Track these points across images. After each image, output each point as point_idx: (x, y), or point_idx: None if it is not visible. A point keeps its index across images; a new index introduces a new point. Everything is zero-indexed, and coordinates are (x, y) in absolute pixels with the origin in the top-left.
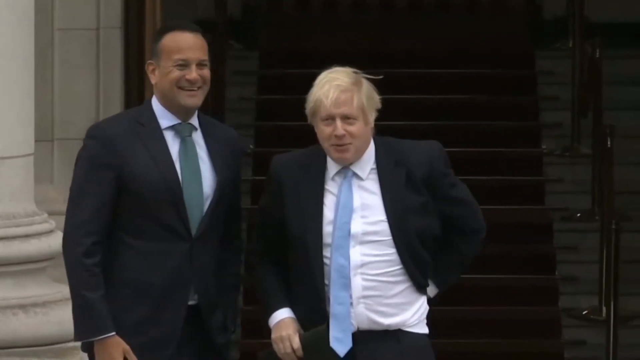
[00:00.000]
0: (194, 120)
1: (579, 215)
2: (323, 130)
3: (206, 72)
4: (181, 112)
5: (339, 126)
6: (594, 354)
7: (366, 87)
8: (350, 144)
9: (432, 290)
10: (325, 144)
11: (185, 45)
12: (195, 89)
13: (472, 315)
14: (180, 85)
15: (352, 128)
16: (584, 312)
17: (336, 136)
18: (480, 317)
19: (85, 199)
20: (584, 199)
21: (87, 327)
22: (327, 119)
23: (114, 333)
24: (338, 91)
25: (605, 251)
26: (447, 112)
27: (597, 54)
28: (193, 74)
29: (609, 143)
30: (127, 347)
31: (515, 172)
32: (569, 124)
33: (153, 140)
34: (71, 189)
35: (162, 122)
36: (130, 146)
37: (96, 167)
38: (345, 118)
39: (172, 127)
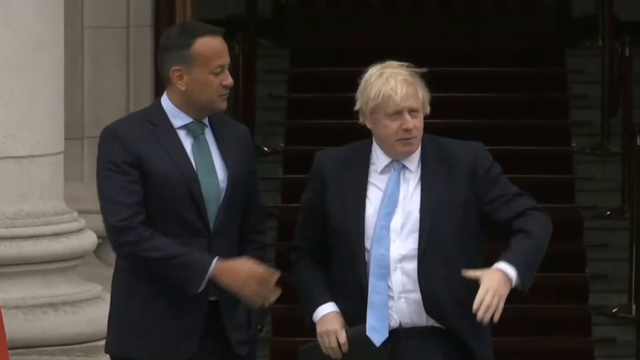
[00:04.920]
0: (205, 119)
1: (608, 213)
2: (388, 126)
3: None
4: (200, 113)
5: (409, 119)
6: (624, 352)
7: (421, 80)
8: (416, 137)
9: (515, 279)
10: (390, 140)
11: (222, 50)
12: (227, 92)
13: (501, 313)
14: (220, 92)
15: (416, 121)
16: (613, 310)
17: (405, 130)
18: (509, 314)
19: (116, 191)
20: (613, 197)
21: (193, 271)
22: (394, 114)
23: (216, 258)
24: (406, 85)
25: (635, 249)
26: (477, 110)
27: (627, 52)
28: (229, 79)
29: (638, 141)
30: (260, 271)
31: (545, 170)
32: (599, 122)
33: (167, 137)
34: (100, 193)
35: (175, 122)
36: (145, 144)
37: (117, 165)
38: (412, 111)
39: (184, 126)
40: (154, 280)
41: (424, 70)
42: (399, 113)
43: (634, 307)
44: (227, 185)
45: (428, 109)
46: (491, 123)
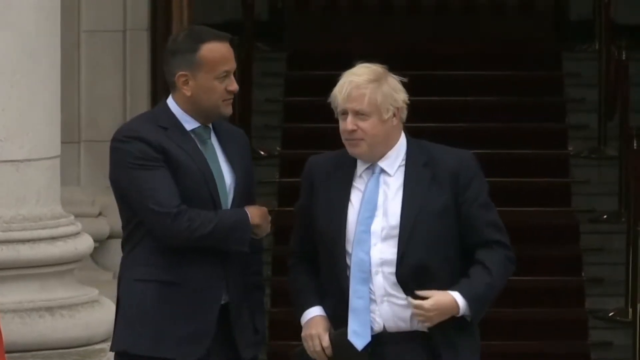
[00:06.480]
0: (210, 124)
1: (605, 216)
2: (340, 125)
3: None
4: (206, 118)
5: (349, 121)
6: (621, 356)
7: (388, 84)
8: (361, 139)
9: (463, 312)
10: (343, 140)
11: (228, 56)
12: (231, 97)
13: (498, 317)
14: (224, 97)
15: (363, 124)
16: (610, 314)
17: (344, 130)
18: (505, 318)
19: (159, 181)
20: (610, 201)
21: (242, 234)
22: (342, 114)
23: (243, 208)
24: (351, 87)
25: (631, 253)
26: (474, 114)
27: (624, 55)
28: (234, 84)
29: (635, 145)
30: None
31: (542, 173)
32: (596, 125)
33: (182, 138)
34: (136, 186)
35: (185, 126)
36: (166, 143)
37: (150, 160)
38: (357, 113)
39: (191, 131)
40: (167, 281)
41: (403, 79)
42: (345, 113)
43: (630, 310)
44: (235, 189)
45: (387, 114)
46: (488, 126)
